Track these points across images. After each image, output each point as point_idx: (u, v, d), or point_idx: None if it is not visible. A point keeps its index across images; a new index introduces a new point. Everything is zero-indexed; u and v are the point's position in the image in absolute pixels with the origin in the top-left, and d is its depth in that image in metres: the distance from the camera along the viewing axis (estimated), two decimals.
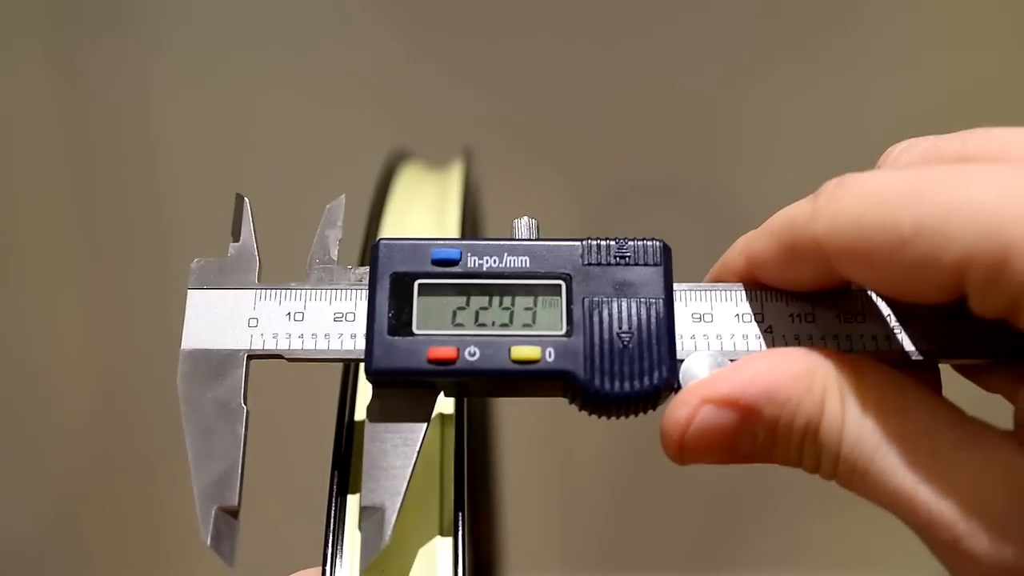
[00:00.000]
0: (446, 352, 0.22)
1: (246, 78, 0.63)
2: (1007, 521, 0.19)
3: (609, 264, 0.23)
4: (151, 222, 0.66)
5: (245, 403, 0.23)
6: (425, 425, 0.22)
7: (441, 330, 0.22)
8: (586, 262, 0.23)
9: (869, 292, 0.23)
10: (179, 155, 0.65)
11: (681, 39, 0.62)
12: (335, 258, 0.24)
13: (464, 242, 0.23)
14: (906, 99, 0.61)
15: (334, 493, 0.23)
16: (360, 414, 0.24)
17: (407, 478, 0.22)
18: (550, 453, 0.73)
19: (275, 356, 0.23)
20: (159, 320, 0.68)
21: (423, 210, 0.31)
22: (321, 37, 0.62)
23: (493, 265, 0.23)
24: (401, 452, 0.22)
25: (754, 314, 0.23)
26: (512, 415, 0.50)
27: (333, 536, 0.23)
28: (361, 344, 0.23)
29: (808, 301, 0.23)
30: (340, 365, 0.25)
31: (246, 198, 0.25)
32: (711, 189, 0.65)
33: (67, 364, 0.70)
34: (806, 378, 0.21)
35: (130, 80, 0.63)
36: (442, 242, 0.23)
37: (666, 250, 0.23)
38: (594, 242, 0.23)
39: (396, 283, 0.23)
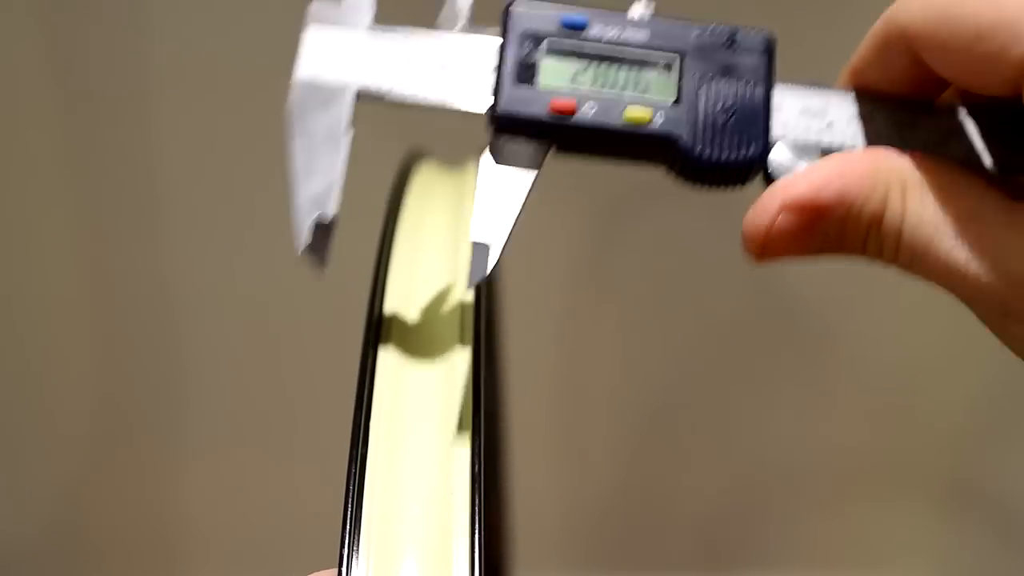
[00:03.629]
0: (566, 104, 0.24)
1: (253, 73, 0.63)
2: None
3: (720, 47, 0.25)
4: (149, 212, 0.66)
5: (349, 131, 0.25)
6: (536, 172, 0.25)
7: (563, 85, 0.25)
8: (699, 43, 0.25)
9: (930, 102, 0.25)
10: (180, 160, 0.65)
11: None
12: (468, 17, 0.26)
13: (592, 10, 0.25)
14: None
15: (351, 493, 0.23)
16: (377, 414, 0.25)
17: (512, 221, 0.24)
18: (557, 455, 0.73)
19: (379, 98, 0.25)
20: (160, 318, 0.68)
21: (439, 210, 0.31)
22: None
23: (616, 34, 0.25)
24: (510, 196, 0.24)
25: (816, 112, 0.25)
26: (521, 416, 0.50)
27: (349, 537, 0.22)
28: (456, 97, 0.25)
29: (870, 103, 0.25)
30: (357, 372, 0.26)
31: None
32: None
33: (66, 360, 0.70)
34: (871, 177, 0.23)
35: (130, 81, 0.63)
36: (572, 7, 0.25)
37: (770, 40, 0.25)
38: (708, 27, 0.25)
39: (526, 40, 0.25)
